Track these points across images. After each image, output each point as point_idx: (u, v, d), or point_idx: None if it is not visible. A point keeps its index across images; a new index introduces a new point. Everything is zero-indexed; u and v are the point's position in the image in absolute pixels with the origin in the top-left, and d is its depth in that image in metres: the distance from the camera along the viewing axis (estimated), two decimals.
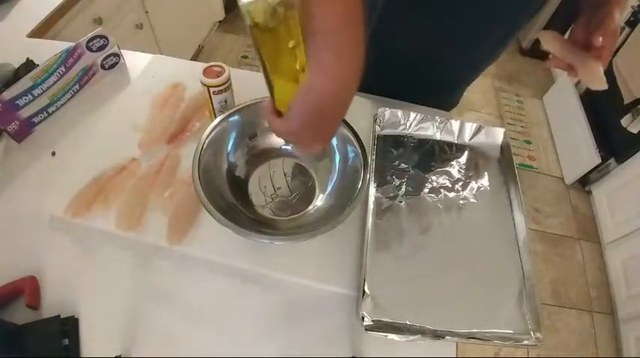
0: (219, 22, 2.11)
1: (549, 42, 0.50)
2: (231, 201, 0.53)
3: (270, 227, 0.53)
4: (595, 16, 0.49)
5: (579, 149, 1.67)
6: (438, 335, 0.45)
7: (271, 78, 0.37)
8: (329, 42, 0.33)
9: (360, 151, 0.53)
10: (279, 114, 0.40)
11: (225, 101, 0.58)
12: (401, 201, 0.57)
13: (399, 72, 0.66)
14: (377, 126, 0.64)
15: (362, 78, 0.70)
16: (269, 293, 0.50)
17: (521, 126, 1.98)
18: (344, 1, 0.32)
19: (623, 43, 1.45)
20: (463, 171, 0.62)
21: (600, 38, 0.47)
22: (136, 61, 0.74)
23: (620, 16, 0.48)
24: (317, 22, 0.32)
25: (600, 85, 0.48)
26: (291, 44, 0.34)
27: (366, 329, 0.44)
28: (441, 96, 0.73)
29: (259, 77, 0.38)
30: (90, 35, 0.66)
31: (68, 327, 0.44)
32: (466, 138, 0.65)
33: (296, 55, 0.35)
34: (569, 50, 0.49)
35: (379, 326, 0.45)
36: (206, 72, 0.56)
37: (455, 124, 0.65)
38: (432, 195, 0.59)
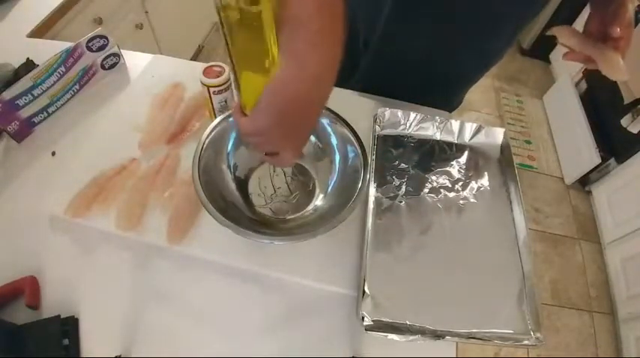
0: None
1: (565, 36, 0.50)
2: (231, 201, 0.53)
3: (270, 227, 0.53)
4: (608, 9, 0.49)
5: (579, 149, 1.67)
6: (438, 335, 0.45)
7: (238, 72, 0.35)
8: (303, 30, 0.30)
9: (360, 151, 0.53)
10: (244, 112, 0.37)
11: (225, 101, 0.58)
12: (401, 201, 0.57)
13: (408, 72, 0.66)
14: (377, 126, 0.64)
15: (367, 78, 0.70)
16: (269, 293, 0.50)
17: (521, 126, 1.98)
18: None
19: None
20: (463, 171, 0.62)
21: (618, 29, 0.46)
22: (136, 61, 0.74)
23: (633, 8, 0.48)
24: (292, 9, 0.30)
25: (621, 75, 0.47)
26: (263, 35, 0.31)
27: (366, 329, 0.44)
28: (448, 96, 0.72)
29: None
30: (90, 35, 0.66)
31: (68, 327, 0.44)
32: (466, 138, 0.65)
33: (268, 48, 0.32)
34: (587, 43, 0.49)
35: (379, 326, 0.45)
36: (206, 72, 0.56)
37: (455, 124, 0.65)
38: (432, 195, 0.59)
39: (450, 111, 0.73)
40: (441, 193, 0.59)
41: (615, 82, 1.48)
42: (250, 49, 0.33)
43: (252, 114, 0.35)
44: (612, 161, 1.52)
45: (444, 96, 0.71)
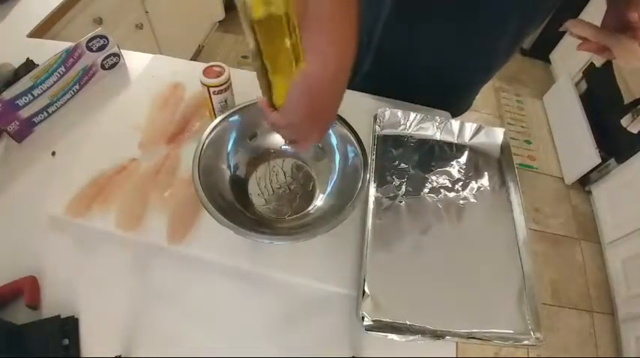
0: (219, 22, 2.11)
1: (579, 27, 0.49)
2: (231, 201, 0.53)
3: (270, 227, 0.53)
4: (622, 1, 0.48)
5: (579, 149, 1.67)
6: (438, 335, 0.45)
7: (270, 74, 0.38)
8: (323, 27, 0.33)
9: (360, 151, 0.53)
10: (274, 108, 0.40)
11: (225, 101, 0.58)
12: (401, 201, 0.57)
13: (409, 73, 0.66)
14: (377, 126, 0.64)
15: (368, 78, 0.69)
16: (269, 293, 0.50)
17: (521, 126, 1.98)
18: None
19: None
20: (463, 171, 0.62)
21: (635, 14, 0.45)
22: (136, 61, 0.74)
23: None
24: (311, 8, 0.33)
25: (638, 61, 0.46)
26: (288, 39, 0.34)
27: (366, 329, 0.44)
28: (452, 98, 0.71)
29: None
30: (90, 35, 0.66)
31: (68, 327, 0.44)
32: (466, 138, 0.65)
33: (293, 48, 0.35)
34: (602, 32, 0.48)
35: (379, 326, 0.45)
36: (206, 72, 0.56)
37: (455, 124, 0.65)
38: (432, 195, 0.59)
39: (456, 114, 0.72)
40: (441, 193, 0.59)
41: (615, 81, 1.48)
42: (279, 49, 0.35)
43: (282, 110, 0.39)
44: (612, 161, 1.52)
45: (447, 98, 0.70)
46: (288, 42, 0.34)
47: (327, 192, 0.56)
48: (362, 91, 0.70)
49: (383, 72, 0.69)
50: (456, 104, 0.73)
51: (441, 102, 0.69)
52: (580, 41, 0.49)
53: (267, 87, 0.39)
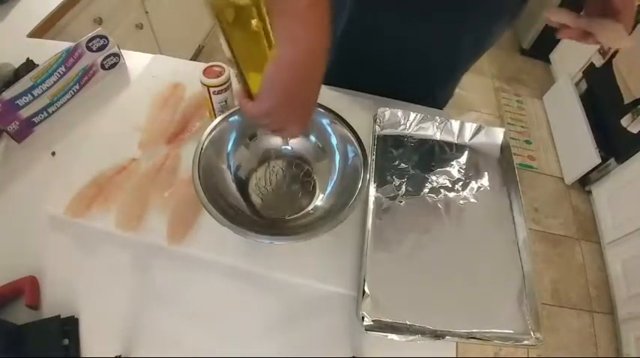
0: None
1: (557, 14, 0.48)
2: (231, 201, 0.53)
3: (270, 227, 0.53)
4: None
5: (579, 149, 1.67)
6: (438, 335, 0.45)
7: (242, 67, 0.38)
8: (294, 13, 0.33)
9: (360, 151, 0.53)
10: (251, 98, 0.40)
11: (225, 101, 0.58)
12: (401, 201, 0.57)
13: (374, 60, 0.66)
14: (377, 126, 0.64)
15: (332, 66, 0.68)
16: (269, 293, 0.50)
17: (521, 126, 1.98)
18: None
19: None
20: (463, 171, 0.62)
21: None
22: (136, 61, 0.74)
23: None
24: None
25: (624, 41, 0.45)
26: (257, 27, 0.34)
27: (366, 329, 0.45)
28: (421, 89, 0.70)
29: None
30: (90, 35, 0.66)
31: (68, 327, 0.44)
32: (466, 138, 0.65)
33: (265, 34, 0.35)
34: (583, 18, 0.47)
35: (379, 326, 0.45)
36: (206, 72, 0.56)
37: (455, 124, 0.65)
38: (432, 195, 0.59)
39: (441, 107, 0.71)
40: (441, 193, 0.59)
41: (615, 81, 1.48)
42: (249, 40, 0.35)
43: (257, 98, 0.38)
44: (612, 161, 1.52)
45: (428, 88, 0.69)
46: (258, 31, 0.34)
47: (327, 192, 0.56)
48: (330, 82, 0.69)
49: (345, 65, 0.67)
50: (438, 97, 0.72)
51: (413, 94, 0.69)
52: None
53: (243, 79, 0.39)
